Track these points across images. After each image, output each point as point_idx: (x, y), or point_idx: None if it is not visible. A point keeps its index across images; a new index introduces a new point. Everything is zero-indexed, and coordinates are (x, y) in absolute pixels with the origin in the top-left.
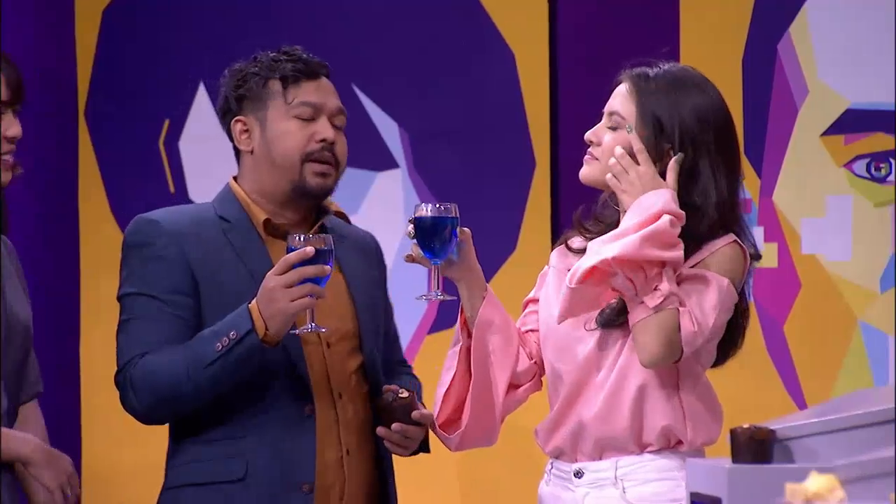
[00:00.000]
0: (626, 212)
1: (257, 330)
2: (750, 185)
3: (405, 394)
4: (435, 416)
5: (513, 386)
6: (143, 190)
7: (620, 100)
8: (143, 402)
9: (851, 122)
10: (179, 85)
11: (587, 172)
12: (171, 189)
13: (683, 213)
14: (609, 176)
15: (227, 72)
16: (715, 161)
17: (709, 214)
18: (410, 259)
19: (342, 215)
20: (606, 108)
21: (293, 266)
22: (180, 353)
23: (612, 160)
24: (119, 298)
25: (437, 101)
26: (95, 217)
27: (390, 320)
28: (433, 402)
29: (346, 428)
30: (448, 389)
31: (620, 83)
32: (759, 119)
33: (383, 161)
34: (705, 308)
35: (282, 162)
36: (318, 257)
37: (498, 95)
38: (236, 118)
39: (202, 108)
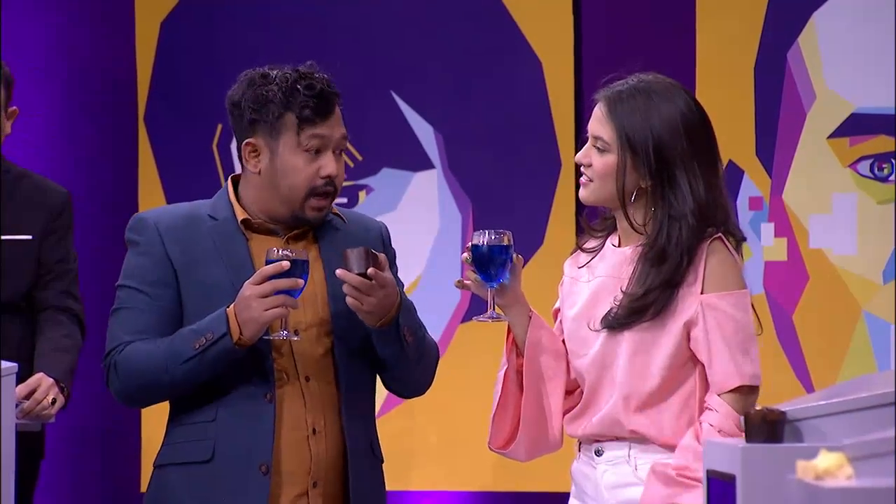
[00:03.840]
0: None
1: (231, 334)
2: (761, 183)
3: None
4: (489, 439)
5: (568, 392)
6: (198, 189)
7: (599, 123)
8: (124, 386)
9: (856, 126)
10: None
11: (586, 196)
12: None
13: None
14: None
15: (245, 80)
16: (690, 166)
17: (689, 220)
18: (461, 285)
19: (336, 215)
20: (589, 130)
21: (269, 278)
22: (161, 346)
23: None
24: (115, 288)
25: (470, 106)
26: None
27: None
28: (456, 398)
29: (312, 409)
30: (501, 411)
31: (596, 104)
32: (770, 122)
33: (420, 162)
34: (747, 350)
35: (287, 194)
36: (294, 270)
37: (526, 100)
38: (247, 140)
39: None
